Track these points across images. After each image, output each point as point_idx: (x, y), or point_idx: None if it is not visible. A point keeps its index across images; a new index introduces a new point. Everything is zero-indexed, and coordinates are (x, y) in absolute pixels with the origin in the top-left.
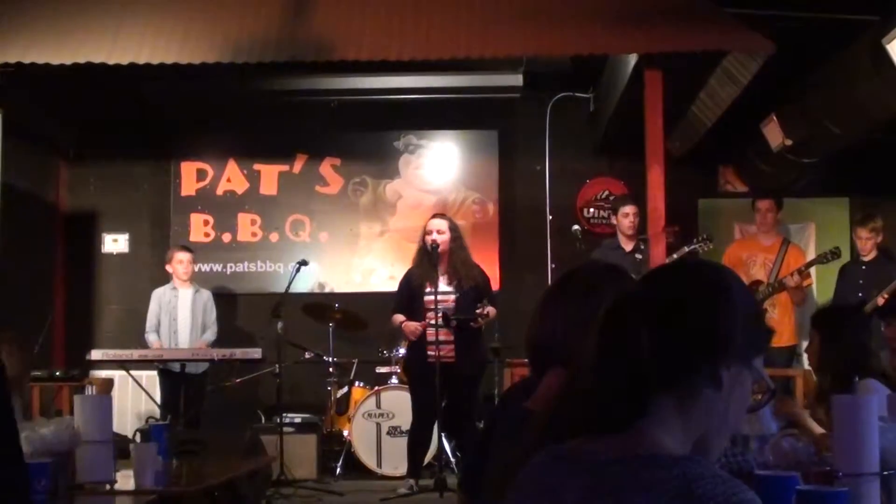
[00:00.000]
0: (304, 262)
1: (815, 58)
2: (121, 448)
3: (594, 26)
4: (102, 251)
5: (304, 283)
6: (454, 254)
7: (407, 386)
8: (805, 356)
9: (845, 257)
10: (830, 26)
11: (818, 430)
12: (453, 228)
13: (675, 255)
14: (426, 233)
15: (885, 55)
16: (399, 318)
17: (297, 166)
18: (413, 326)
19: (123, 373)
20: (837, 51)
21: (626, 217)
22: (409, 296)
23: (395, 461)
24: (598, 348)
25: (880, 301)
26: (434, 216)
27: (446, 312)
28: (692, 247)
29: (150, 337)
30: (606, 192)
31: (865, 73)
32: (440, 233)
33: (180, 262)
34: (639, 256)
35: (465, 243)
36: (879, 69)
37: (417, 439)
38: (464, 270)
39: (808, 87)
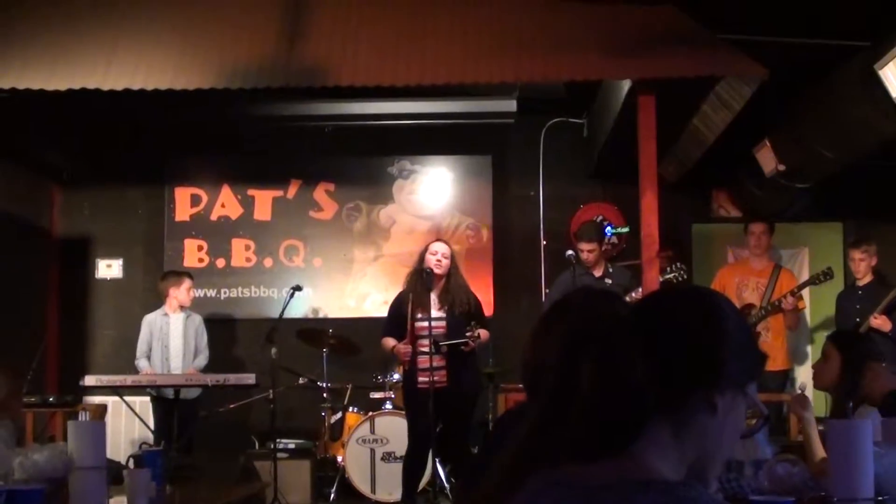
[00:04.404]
0: (298, 288)
1: (807, 83)
2: (114, 474)
3: (588, 52)
4: (96, 276)
5: (298, 308)
6: (452, 279)
7: (401, 411)
8: (797, 380)
9: (839, 280)
10: (823, 52)
11: (819, 446)
12: (453, 255)
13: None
14: (429, 254)
15: (877, 80)
16: (390, 342)
17: (291, 192)
18: (403, 348)
19: (117, 398)
20: (830, 76)
21: (582, 253)
22: (400, 321)
23: (389, 487)
24: (592, 374)
25: (873, 322)
26: (436, 241)
27: (436, 340)
28: (666, 276)
29: (141, 363)
30: (600, 217)
31: (857, 99)
32: (445, 257)
33: (189, 290)
34: (608, 282)
35: (461, 269)
36: (871, 94)
37: (412, 465)
38: (459, 295)
39: (800, 112)
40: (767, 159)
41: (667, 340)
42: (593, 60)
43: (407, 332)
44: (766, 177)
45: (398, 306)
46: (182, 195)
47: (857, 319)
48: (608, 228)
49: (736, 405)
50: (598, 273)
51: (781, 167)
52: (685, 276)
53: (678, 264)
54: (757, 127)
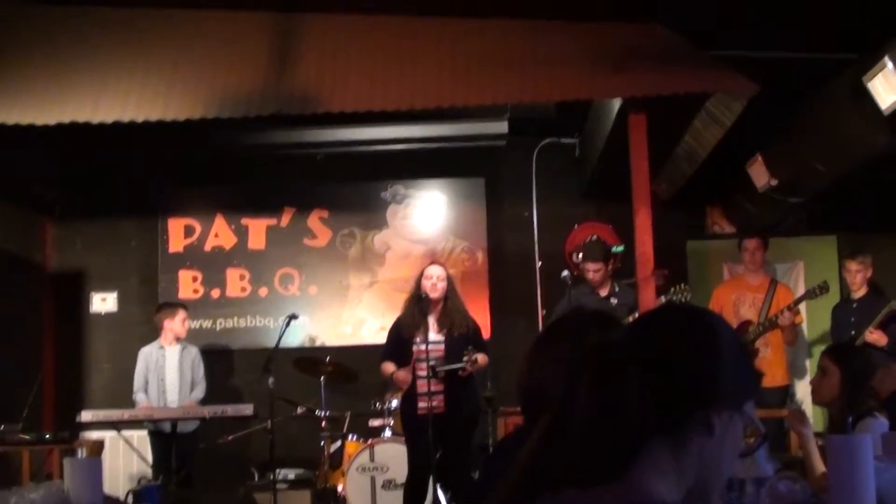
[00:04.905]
0: (293, 316)
1: (798, 97)
2: None
3: (578, 72)
4: (91, 310)
5: (295, 336)
6: (449, 301)
7: (401, 438)
8: (797, 395)
9: (834, 294)
10: (812, 66)
11: (818, 462)
12: (449, 277)
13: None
14: (424, 278)
15: (866, 93)
16: (389, 367)
17: (285, 220)
18: (402, 375)
19: (114, 433)
20: (820, 90)
21: (588, 273)
22: (399, 345)
23: None
24: (589, 400)
25: (868, 337)
26: (432, 264)
27: (433, 365)
28: (669, 297)
29: (138, 397)
30: (595, 237)
31: (847, 111)
32: (441, 279)
33: (183, 321)
34: (614, 301)
35: (459, 292)
36: (861, 107)
37: (413, 492)
38: (457, 318)
39: (791, 126)
40: (760, 174)
41: (662, 362)
42: (583, 80)
43: (406, 358)
44: (759, 192)
45: (397, 331)
46: (175, 226)
47: (853, 332)
48: None
49: (733, 425)
50: (603, 293)
51: (774, 181)
52: (689, 297)
53: (682, 285)
54: (748, 142)
